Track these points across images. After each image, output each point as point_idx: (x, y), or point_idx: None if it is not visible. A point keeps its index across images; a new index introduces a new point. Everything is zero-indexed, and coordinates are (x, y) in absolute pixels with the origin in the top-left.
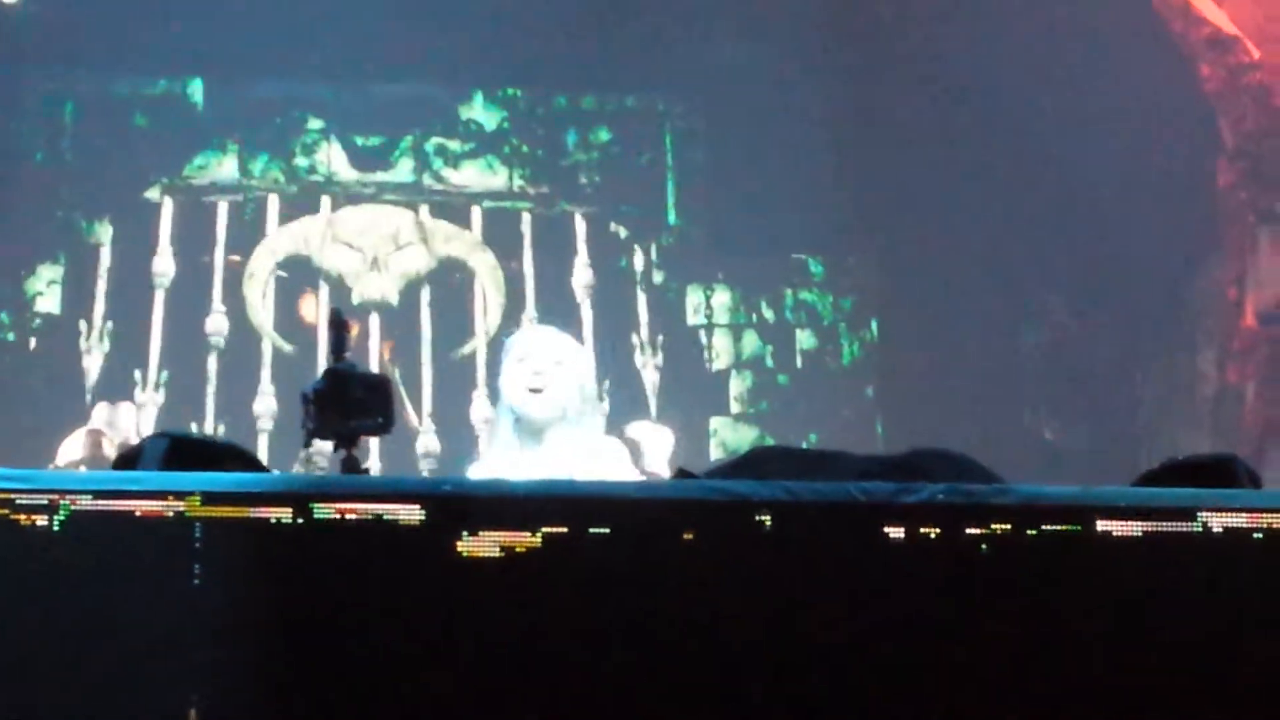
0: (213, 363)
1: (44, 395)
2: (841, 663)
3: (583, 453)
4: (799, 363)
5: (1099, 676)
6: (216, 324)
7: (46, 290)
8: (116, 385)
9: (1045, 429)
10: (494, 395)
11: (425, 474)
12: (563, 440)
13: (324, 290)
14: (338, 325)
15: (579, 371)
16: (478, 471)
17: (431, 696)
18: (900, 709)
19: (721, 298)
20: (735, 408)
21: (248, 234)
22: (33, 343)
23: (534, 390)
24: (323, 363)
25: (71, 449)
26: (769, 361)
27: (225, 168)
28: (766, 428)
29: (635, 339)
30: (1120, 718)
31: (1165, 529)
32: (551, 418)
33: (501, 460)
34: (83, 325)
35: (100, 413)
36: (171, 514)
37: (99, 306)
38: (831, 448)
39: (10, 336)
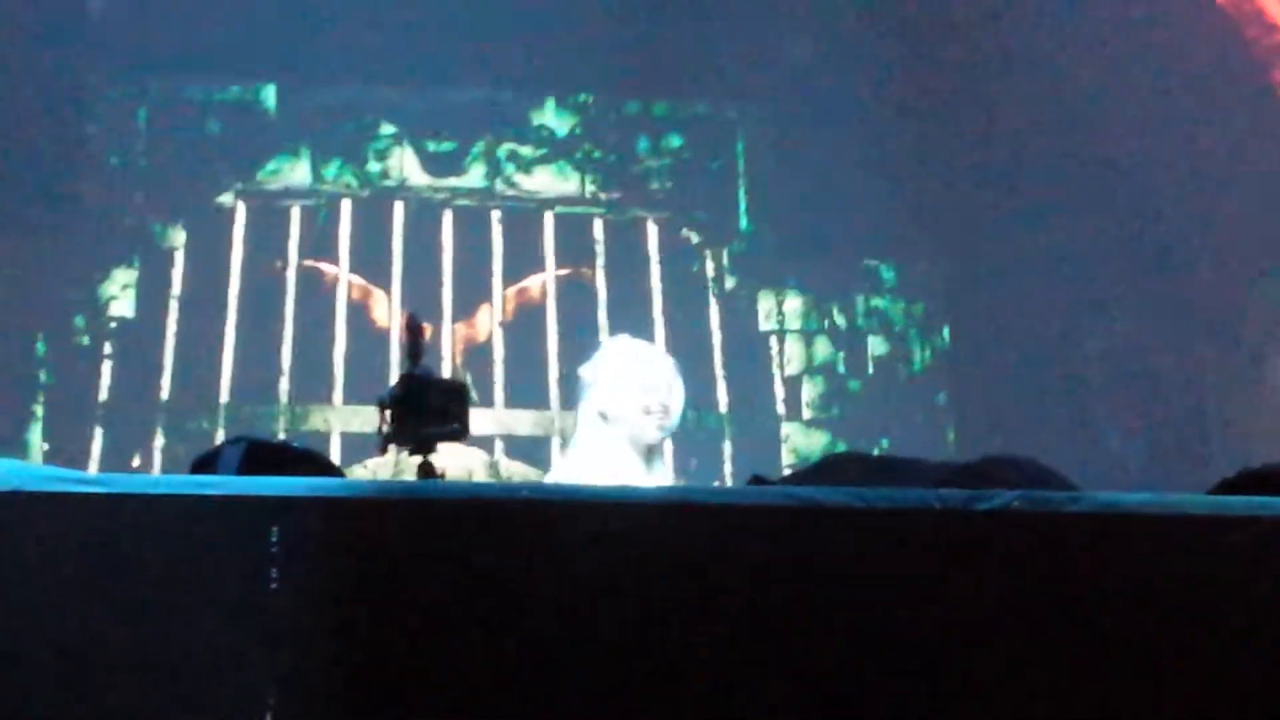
0: (286, 367)
1: (119, 399)
2: (917, 669)
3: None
4: (870, 369)
5: (1177, 685)
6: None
7: (120, 294)
8: (191, 389)
9: (1113, 437)
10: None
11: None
12: (664, 455)
13: (396, 292)
14: (413, 331)
15: (682, 393)
16: (568, 476)
17: (498, 697)
18: (974, 714)
19: (793, 304)
20: (807, 414)
21: (321, 239)
22: (107, 347)
23: (657, 417)
24: (396, 368)
25: None
26: (841, 367)
27: (298, 173)
28: (838, 434)
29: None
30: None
31: (1242, 537)
32: (664, 438)
33: (603, 472)
34: (157, 328)
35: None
36: (249, 517)
37: (173, 311)
38: (903, 454)
39: (85, 340)
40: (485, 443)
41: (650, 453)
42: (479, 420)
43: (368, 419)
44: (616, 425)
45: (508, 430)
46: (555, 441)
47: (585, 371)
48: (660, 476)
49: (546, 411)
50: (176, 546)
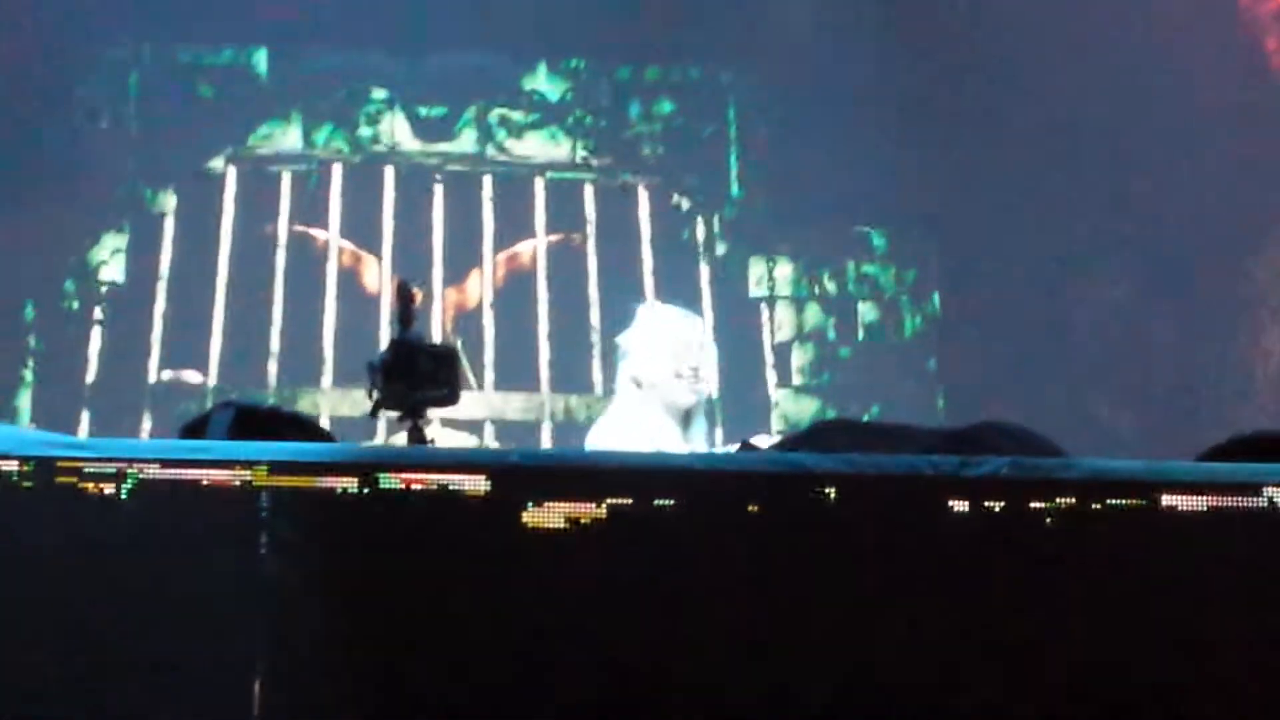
0: (275, 333)
1: (108, 364)
2: (905, 635)
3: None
4: (861, 335)
5: (1164, 651)
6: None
7: (110, 259)
8: (180, 354)
9: (1104, 404)
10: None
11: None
12: (701, 419)
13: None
14: (404, 296)
15: (715, 355)
16: (604, 443)
17: (493, 664)
18: (963, 679)
19: (784, 270)
20: (797, 380)
21: (312, 204)
22: (97, 311)
23: (689, 381)
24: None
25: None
26: (831, 334)
27: (289, 138)
28: (828, 400)
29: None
30: (1184, 691)
31: (1231, 504)
32: (700, 402)
33: (640, 437)
34: (146, 294)
35: (164, 381)
36: (238, 483)
37: (164, 275)
38: (893, 421)
39: (75, 305)
40: (475, 427)
41: (688, 417)
42: (468, 404)
43: (356, 403)
44: (651, 391)
45: (498, 414)
46: (546, 426)
47: (621, 339)
48: (697, 441)
49: (536, 395)
50: (166, 511)
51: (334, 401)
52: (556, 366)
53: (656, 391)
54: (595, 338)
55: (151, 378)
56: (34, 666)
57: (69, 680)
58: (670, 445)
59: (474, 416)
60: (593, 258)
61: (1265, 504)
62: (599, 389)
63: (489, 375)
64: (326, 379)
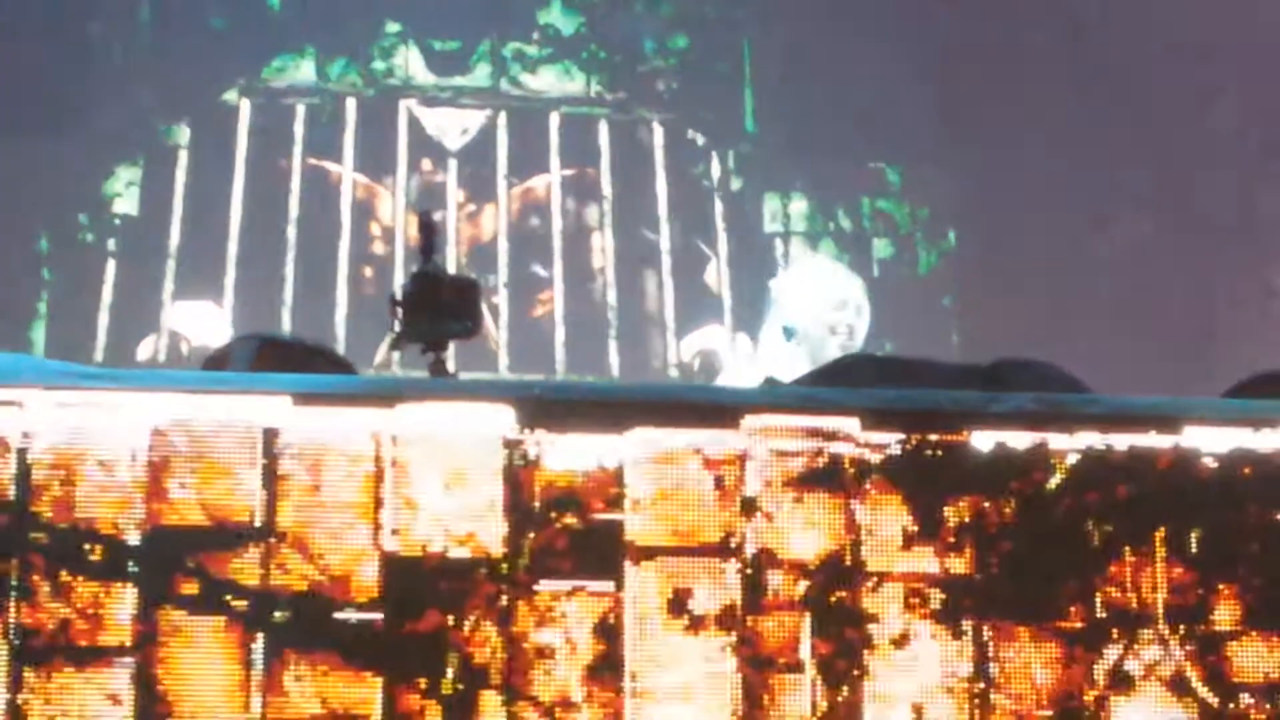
0: (290, 265)
1: (123, 296)
2: (927, 569)
3: None
4: (876, 271)
5: (1185, 580)
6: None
7: (125, 192)
8: (194, 286)
9: (1123, 340)
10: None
11: None
12: None
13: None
14: (427, 227)
15: (869, 318)
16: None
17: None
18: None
19: (798, 206)
20: None
21: (326, 137)
22: (111, 243)
23: (842, 337)
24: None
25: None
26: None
27: (303, 71)
28: None
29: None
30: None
31: (1254, 438)
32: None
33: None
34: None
35: (179, 313)
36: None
37: (178, 208)
38: (909, 355)
39: (89, 238)
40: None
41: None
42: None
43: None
44: (800, 342)
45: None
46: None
47: (775, 284)
48: None
49: (551, 377)
50: (190, 442)
51: (349, 333)
52: (570, 345)
53: (807, 344)
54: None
55: (166, 309)
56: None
57: None
58: None
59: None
60: (607, 192)
61: None
62: (615, 370)
63: (503, 359)
64: (341, 311)
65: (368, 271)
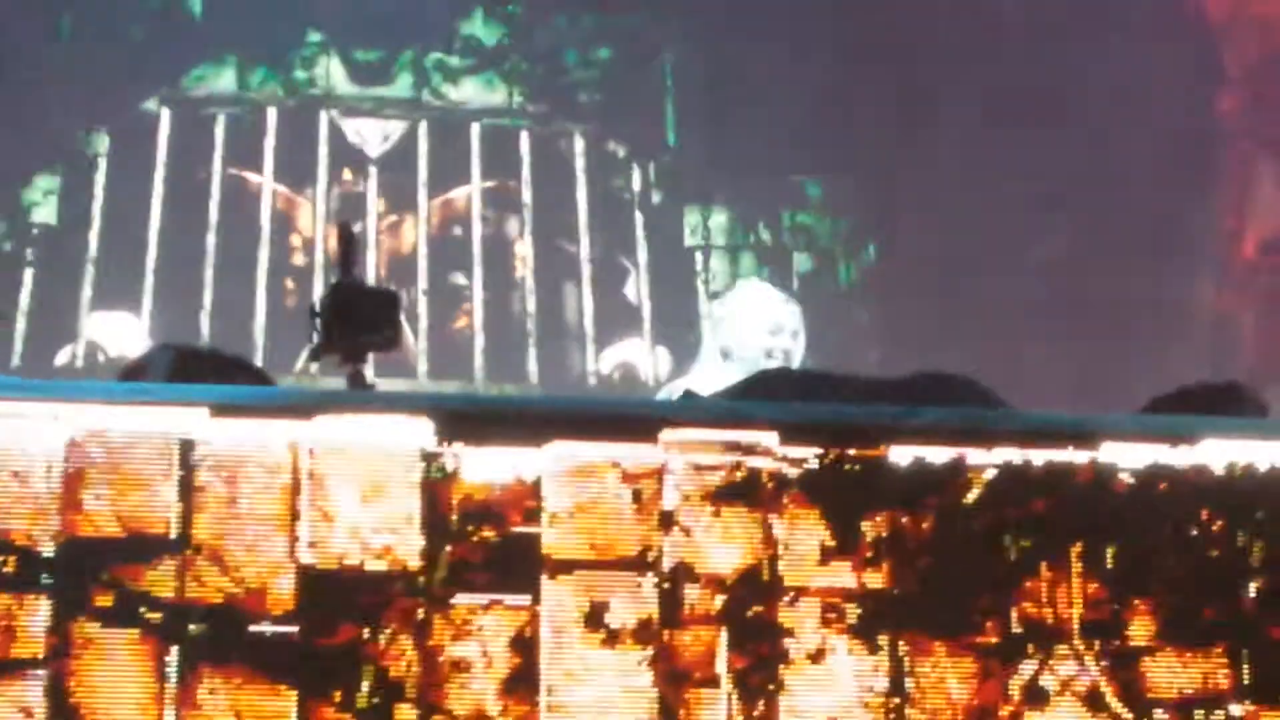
0: (209, 275)
1: (40, 305)
2: (844, 584)
3: None
4: (796, 285)
5: (1102, 596)
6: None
7: (43, 201)
8: (112, 296)
9: (1041, 353)
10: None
11: None
12: None
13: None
14: (346, 239)
15: (804, 343)
16: None
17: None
18: (910, 624)
19: (719, 218)
20: None
21: (246, 147)
22: (29, 253)
23: (777, 362)
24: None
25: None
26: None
27: (223, 80)
28: None
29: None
30: (1117, 638)
31: (1171, 454)
32: None
33: None
34: (80, 235)
35: (97, 323)
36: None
37: (97, 217)
38: (829, 369)
39: (6, 246)
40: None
41: None
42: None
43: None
44: (738, 365)
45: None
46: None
47: (717, 305)
48: None
49: (470, 386)
50: (106, 453)
51: (267, 343)
52: (490, 355)
53: (744, 366)
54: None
55: (84, 318)
56: None
57: None
58: None
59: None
60: (528, 204)
61: (1203, 453)
62: (534, 379)
63: (421, 366)
64: (260, 321)
65: (288, 282)
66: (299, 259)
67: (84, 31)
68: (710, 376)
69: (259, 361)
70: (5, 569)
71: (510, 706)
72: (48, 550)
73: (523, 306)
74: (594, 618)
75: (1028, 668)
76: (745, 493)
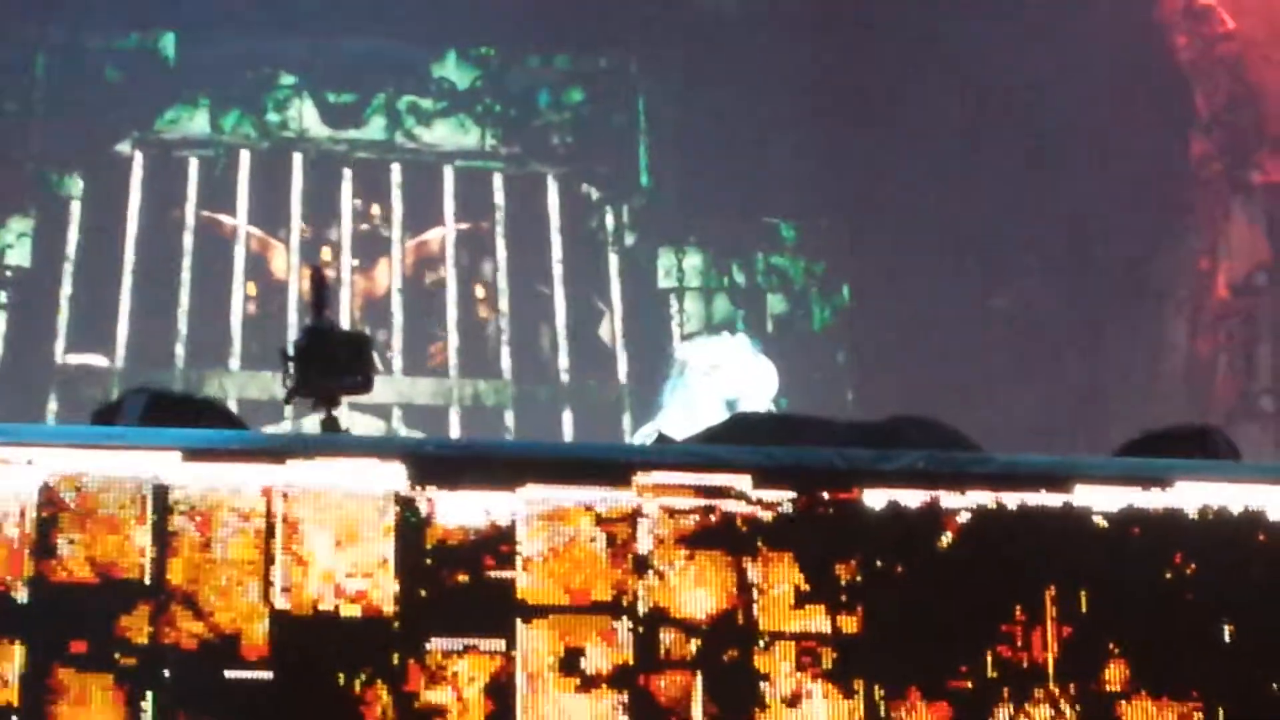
0: (182, 317)
1: (13, 348)
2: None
3: None
4: (770, 327)
5: (1077, 640)
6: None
7: (16, 243)
8: (87, 338)
9: (1015, 396)
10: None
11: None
12: None
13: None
14: (319, 282)
15: (773, 392)
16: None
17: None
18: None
19: (693, 260)
20: None
21: (220, 189)
22: (2, 295)
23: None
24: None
25: None
26: (740, 325)
27: (196, 123)
28: None
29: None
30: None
31: (1144, 497)
32: None
33: None
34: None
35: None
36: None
37: (70, 260)
38: (803, 413)
39: None
40: (383, 410)
41: None
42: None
43: (264, 385)
44: (698, 414)
45: (406, 399)
46: (454, 411)
47: (684, 352)
48: None
49: (446, 380)
50: (80, 497)
51: (241, 383)
52: (465, 354)
53: (703, 417)
54: (505, 324)
55: (58, 361)
56: None
57: None
58: None
59: (382, 401)
60: (501, 247)
61: (1176, 497)
62: (507, 374)
63: (397, 362)
64: (234, 362)
65: (261, 324)
66: (273, 301)
67: (58, 74)
68: (676, 421)
69: (233, 405)
70: None
71: None
72: (21, 596)
73: (496, 349)
74: (569, 662)
75: (1003, 712)
76: (720, 537)
